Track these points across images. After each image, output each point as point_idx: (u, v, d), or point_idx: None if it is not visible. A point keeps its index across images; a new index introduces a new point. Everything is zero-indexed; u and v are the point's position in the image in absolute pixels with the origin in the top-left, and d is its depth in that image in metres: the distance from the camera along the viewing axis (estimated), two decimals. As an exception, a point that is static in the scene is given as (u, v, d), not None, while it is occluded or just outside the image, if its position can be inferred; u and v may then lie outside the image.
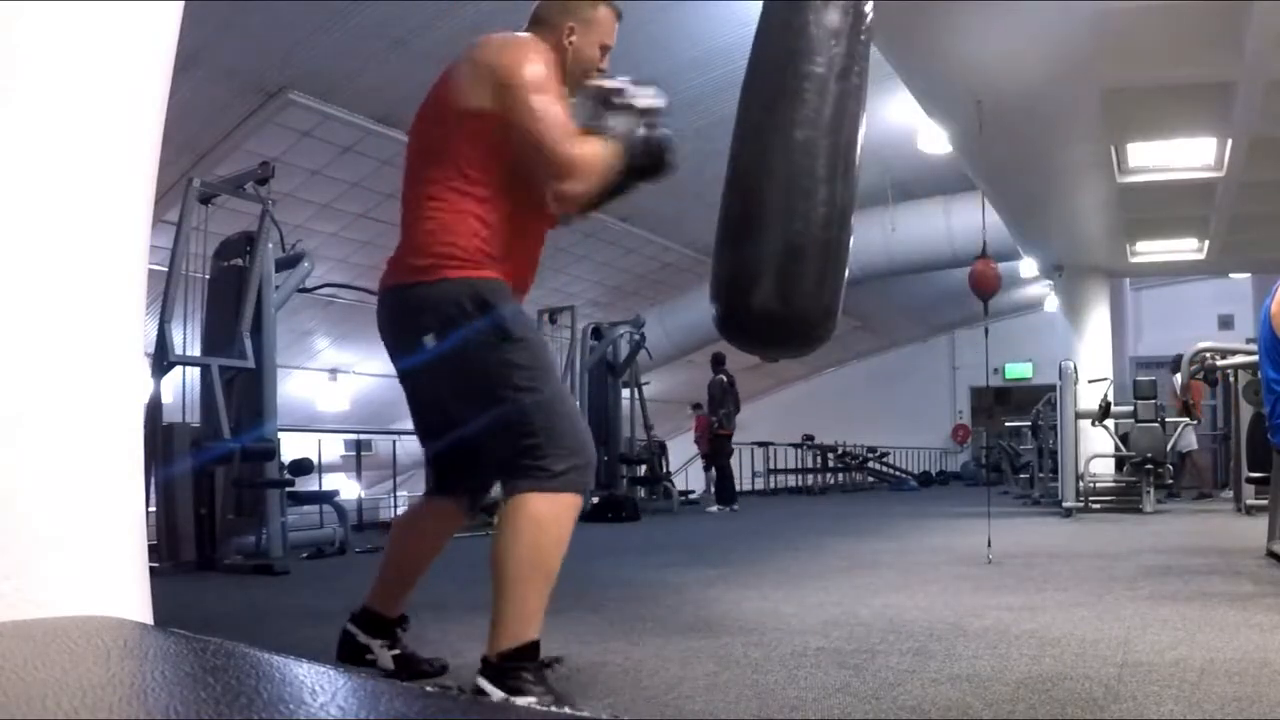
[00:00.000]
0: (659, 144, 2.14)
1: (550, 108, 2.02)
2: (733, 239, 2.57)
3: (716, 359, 10.99)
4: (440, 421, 2.21)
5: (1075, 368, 8.76)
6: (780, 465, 16.65)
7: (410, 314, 2.11)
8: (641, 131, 2.10)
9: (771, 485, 16.43)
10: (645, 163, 2.13)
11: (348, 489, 10.37)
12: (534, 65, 2.05)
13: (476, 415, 2.08)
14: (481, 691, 1.97)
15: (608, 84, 2.17)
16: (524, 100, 2.02)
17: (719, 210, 2.61)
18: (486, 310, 2.04)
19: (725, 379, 10.70)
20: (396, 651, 2.37)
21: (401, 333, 2.16)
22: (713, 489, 11.09)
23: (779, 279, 2.49)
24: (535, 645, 1.99)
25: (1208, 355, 6.92)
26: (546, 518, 1.99)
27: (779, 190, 2.51)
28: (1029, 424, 11.59)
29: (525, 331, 2.10)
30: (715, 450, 10.97)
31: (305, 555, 5.76)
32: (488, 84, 2.07)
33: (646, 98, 2.14)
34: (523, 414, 2.02)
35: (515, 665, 1.96)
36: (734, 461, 16.35)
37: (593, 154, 2.04)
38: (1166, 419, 8.58)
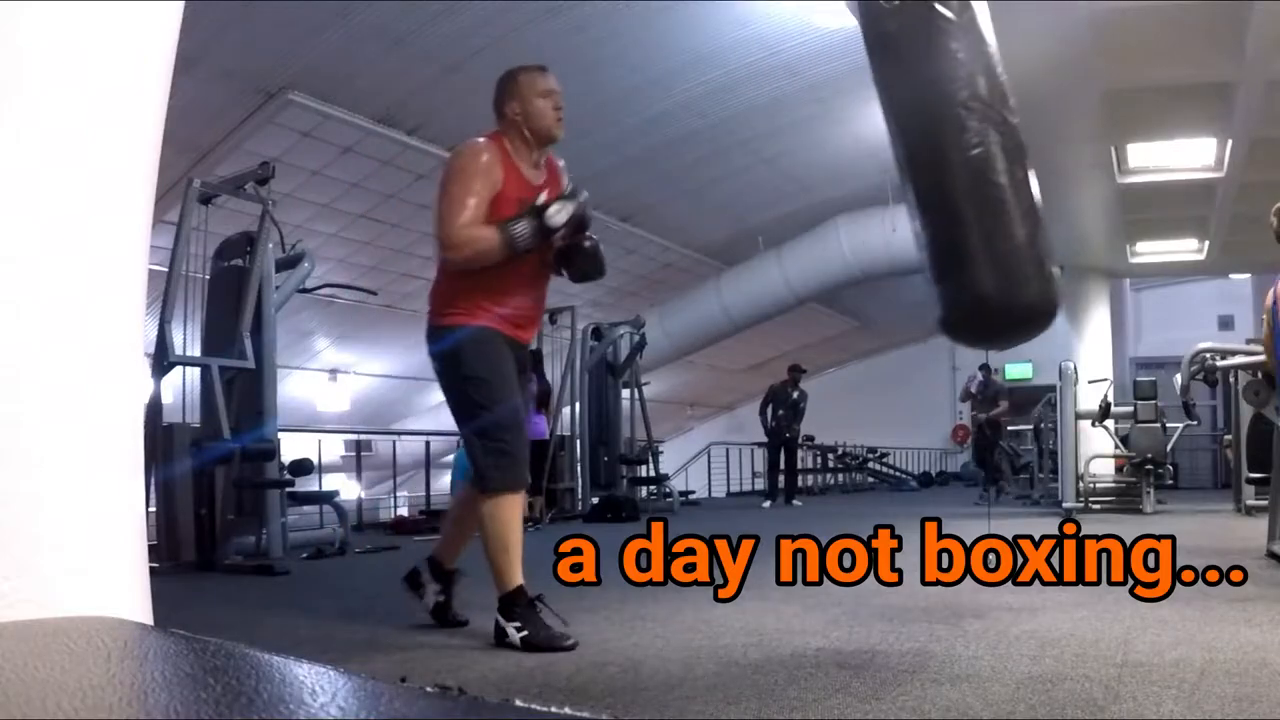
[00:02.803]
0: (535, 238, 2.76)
1: (452, 195, 2.74)
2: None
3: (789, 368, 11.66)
4: None
5: (1075, 368, 8.75)
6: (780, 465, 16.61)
7: None
8: (526, 230, 2.72)
9: (771, 485, 16.41)
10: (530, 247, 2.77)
11: (348, 489, 10.37)
12: (459, 166, 2.80)
13: None
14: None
15: (539, 200, 2.80)
16: (441, 190, 2.80)
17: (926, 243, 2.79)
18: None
19: (776, 384, 11.49)
20: (441, 599, 3.11)
21: None
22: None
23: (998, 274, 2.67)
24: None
25: (1208, 356, 6.92)
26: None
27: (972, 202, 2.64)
28: (1031, 428, 11.62)
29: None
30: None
31: (305, 555, 5.75)
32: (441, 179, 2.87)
33: (556, 214, 2.75)
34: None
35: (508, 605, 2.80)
36: (734, 461, 16.45)
37: (470, 237, 2.72)
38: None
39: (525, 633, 2.71)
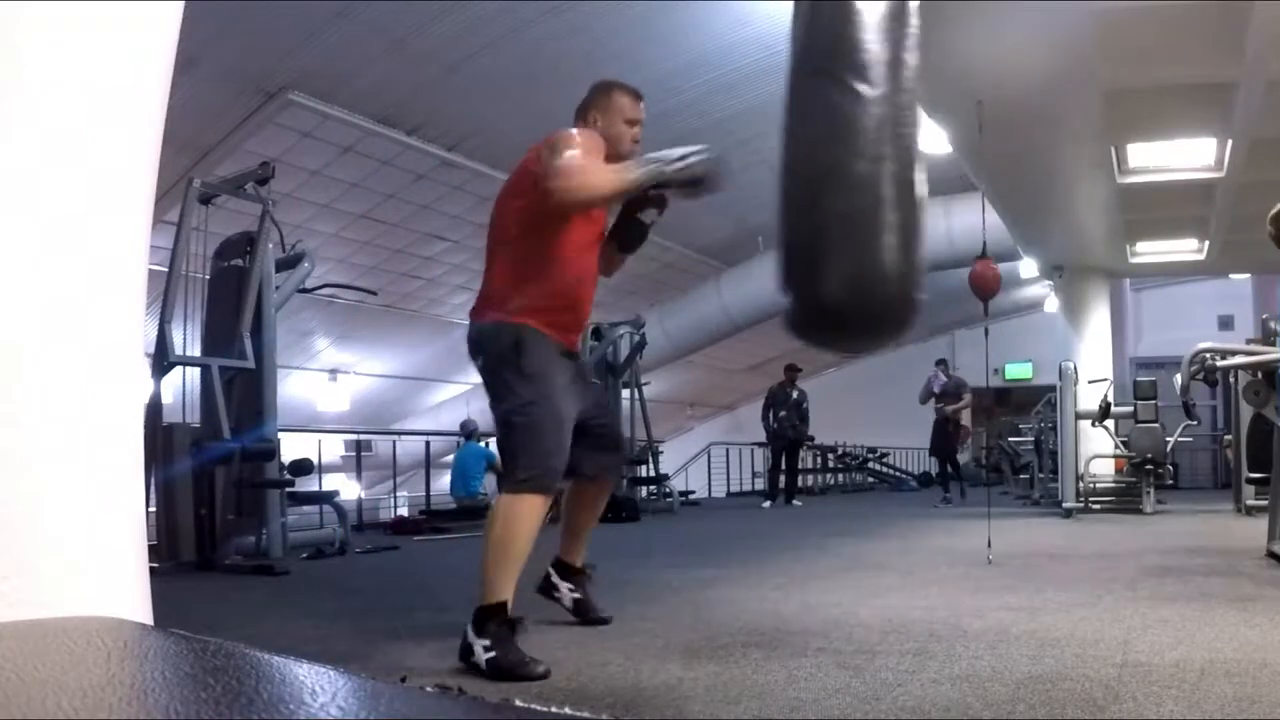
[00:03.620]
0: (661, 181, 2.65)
1: (565, 148, 2.57)
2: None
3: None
4: None
5: (1075, 368, 8.75)
6: (781, 465, 16.62)
7: None
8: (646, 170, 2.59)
9: (771, 485, 16.42)
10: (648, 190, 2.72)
11: (348, 489, 10.37)
12: (568, 136, 2.65)
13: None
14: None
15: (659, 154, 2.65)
16: (550, 148, 2.61)
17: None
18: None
19: (775, 385, 11.50)
20: (578, 595, 3.11)
21: None
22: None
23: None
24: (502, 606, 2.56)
25: (1208, 356, 6.92)
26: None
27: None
28: (1031, 441, 11.65)
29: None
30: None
31: (305, 555, 5.75)
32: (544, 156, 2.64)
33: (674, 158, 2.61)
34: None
35: (483, 619, 2.53)
36: (734, 461, 16.45)
37: (581, 166, 2.56)
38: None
39: (494, 654, 2.46)
